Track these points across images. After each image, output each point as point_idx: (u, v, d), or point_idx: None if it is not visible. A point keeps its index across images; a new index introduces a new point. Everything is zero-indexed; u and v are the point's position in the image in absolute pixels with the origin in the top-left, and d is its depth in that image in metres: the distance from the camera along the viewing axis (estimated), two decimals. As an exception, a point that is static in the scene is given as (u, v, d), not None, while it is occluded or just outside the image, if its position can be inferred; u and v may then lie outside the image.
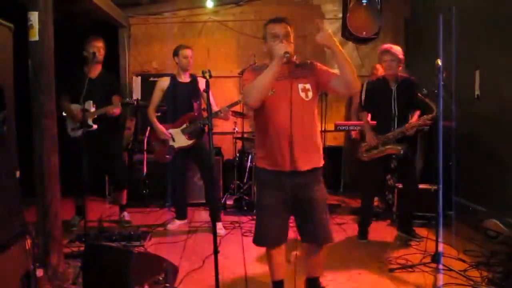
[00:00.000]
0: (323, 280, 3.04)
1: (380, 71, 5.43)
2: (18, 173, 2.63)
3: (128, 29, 6.63)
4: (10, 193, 2.50)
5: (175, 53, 4.48)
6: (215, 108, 4.47)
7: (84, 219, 3.85)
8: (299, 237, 2.78)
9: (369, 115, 4.35)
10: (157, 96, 4.54)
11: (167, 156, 4.51)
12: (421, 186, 4.50)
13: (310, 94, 2.61)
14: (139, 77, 6.22)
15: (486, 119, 4.66)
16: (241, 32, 6.64)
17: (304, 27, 6.19)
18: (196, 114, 4.49)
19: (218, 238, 2.77)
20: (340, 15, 5.54)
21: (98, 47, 4.46)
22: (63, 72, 4.25)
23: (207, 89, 2.72)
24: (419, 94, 4.01)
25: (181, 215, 4.74)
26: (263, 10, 6.53)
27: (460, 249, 3.88)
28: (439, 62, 3.43)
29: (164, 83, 4.53)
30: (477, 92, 4.73)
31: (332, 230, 2.76)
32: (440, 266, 3.40)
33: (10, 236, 2.50)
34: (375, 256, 3.85)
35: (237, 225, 4.79)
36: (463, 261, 3.61)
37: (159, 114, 4.62)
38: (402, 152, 3.98)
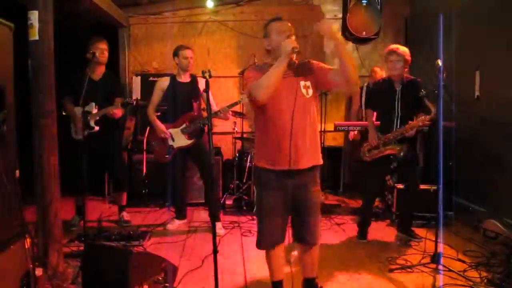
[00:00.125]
0: (322, 281, 3.04)
1: (379, 74, 5.44)
2: (17, 173, 2.63)
3: (128, 29, 6.62)
4: (10, 192, 2.49)
5: (175, 54, 4.48)
6: (215, 108, 4.48)
7: (84, 219, 3.85)
8: (292, 237, 2.80)
9: (375, 114, 4.36)
10: (156, 96, 4.54)
11: (167, 156, 4.51)
12: (421, 186, 4.49)
13: (310, 91, 2.64)
14: (139, 77, 6.22)
15: (486, 120, 4.66)
16: (241, 32, 6.64)
17: (304, 27, 6.19)
18: (195, 114, 4.49)
19: (217, 238, 2.76)
20: (340, 15, 5.54)
21: (102, 49, 4.45)
22: (66, 73, 4.27)
23: (207, 89, 2.72)
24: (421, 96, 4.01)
25: (180, 215, 4.74)
26: (263, 10, 6.54)
27: (459, 250, 3.88)
28: (439, 62, 3.43)
29: (164, 83, 4.53)
30: (477, 92, 4.74)
31: (320, 233, 2.80)
32: (440, 267, 3.41)
33: (9, 236, 2.50)
34: (374, 256, 3.85)
35: (236, 225, 4.79)
36: (463, 261, 3.62)
37: (158, 114, 4.62)
38: (402, 153, 3.97)
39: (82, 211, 4.09)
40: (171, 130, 4.48)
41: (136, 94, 6.06)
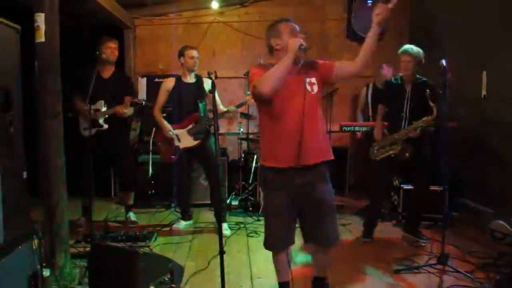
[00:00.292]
0: (330, 281, 3.04)
1: (384, 71, 5.42)
2: (25, 174, 2.64)
3: (133, 30, 6.65)
4: (17, 193, 2.51)
5: (181, 54, 4.49)
6: (221, 109, 4.49)
7: (90, 220, 3.86)
8: (302, 238, 2.78)
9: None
10: (162, 96, 4.54)
11: (173, 157, 4.51)
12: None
13: (315, 88, 2.64)
14: (145, 78, 6.25)
15: (493, 120, 4.63)
16: (246, 33, 6.65)
17: (308, 27, 6.19)
18: (201, 114, 4.50)
19: (223, 239, 2.77)
20: (345, 15, 5.53)
21: (112, 48, 4.50)
22: (77, 72, 4.29)
23: (213, 90, 2.72)
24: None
25: (186, 216, 4.75)
26: (267, 11, 6.54)
27: (466, 251, 3.87)
28: (444, 62, 3.41)
29: (169, 83, 4.54)
30: (483, 92, 4.71)
31: (337, 234, 2.75)
32: (447, 268, 3.39)
33: (17, 236, 2.51)
34: (380, 257, 3.84)
35: (242, 225, 4.80)
36: (470, 262, 3.60)
37: (164, 115, 4.63)
38: (407, 154, 3.96)
39: (89, 211, 4.11)
40: (177, 131, 4.49)
41: (142, 95, 6.09)
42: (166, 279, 2.93)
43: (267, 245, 2.74)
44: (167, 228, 4.68)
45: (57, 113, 3.28)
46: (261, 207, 5.21)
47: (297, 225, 2.76)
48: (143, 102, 4.43)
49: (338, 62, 2.68)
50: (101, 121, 4.44)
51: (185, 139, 4.49)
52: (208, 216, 5.15)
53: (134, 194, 4.94)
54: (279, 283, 2.84)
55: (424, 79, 4.02)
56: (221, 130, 6.45)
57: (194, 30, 6.69)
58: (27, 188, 2.65)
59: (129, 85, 4.83)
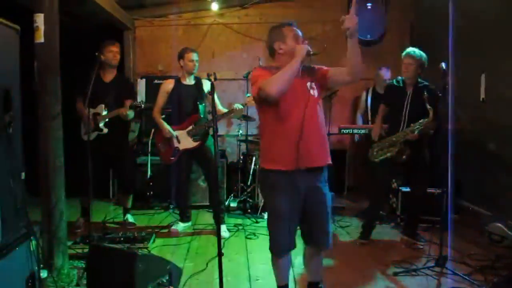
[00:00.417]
0: (326, 284, 3.04)
1: (382, 74, 5.43)
2: (23, 174, 2.64)
3: (133, 31, 6.65)
4: (15, 194, 2.51)
5: (180, 56, 4.48)
6: (221, 109, 4.49)
7: (89, 221, 3.86)
8: (302, 240, 2.78)
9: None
10: (161, 98, 4.54)
11: (172, 158, 4.51)
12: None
13: (315, 92, 2.66)
14: (144, 79, 6.25)
15: (492, 122, 4.64)
16: (246, 34, 6.65)
17: (309, 30, 6.19)
18: (201, 116, 4.50)
19: (222, 241, 2.76)
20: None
21: (114, 52, 4.50)
22: (80, 75, 4.28)
23: (212, 92, 2.72)
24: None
25: (184, 217, 4.74)
26: (268, 12, 6.54)
27: (464, 253, 3.87)
28: (443, 65, 3.42)
29: (168, 85, 4.54)
30: (482, 95, 4.72)
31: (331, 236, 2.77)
32: (445, 270, 3.39)
33: (15, 237, 2.51)
34: (379, 259, 3.84)
35: (241, 227, 4.80)
36: (468, 265, 3.60)
37: (163, 116, 4.63)
38: (405, 156, 3.96)
39: (87, 212, 4.11)
40: (177, 132, 4.49)
41: (141, 96, 6.09)
42: (164, 280, 2.93)
43: (274, 250, 2.71)
44: (166, 230, 4.67)
45: (57, 114, 3.28)
46: (260, 209, 5.21)
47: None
48: (143, 105, 4.43)
49: (332, 68, 2.69)
50: (101, 125, 4.43)
51: (184, 141, 4.48)
52: (206, 217, 5.15)
53: (133, 196, 4.93)
54: (279, 287, 2.83)
55: (426, 83, 4.02)
56: (220, 132, 6.44)
57: (194, 31, 6.69)
58: (25, 188, 2.65)
59: (130, 89, 4.83)
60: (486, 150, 4.72)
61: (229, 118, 5.00)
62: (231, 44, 6.71)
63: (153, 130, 5.16)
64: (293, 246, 2.70)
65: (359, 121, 5.83)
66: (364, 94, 5.81)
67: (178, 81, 4.54)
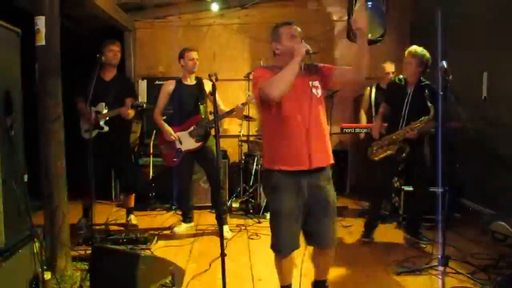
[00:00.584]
0: (329, 283, 3.03)
1: (387, 69, 5.41)
2: (26, 177, 2.64)
3: (134, 33, 6.66)
4: (18, 196, 2.51)
5: (181, 56, 4.48)
6: (222, 108, 4.49)
7: (91, 222, 3.86)
8: (305, 240, 2.77)
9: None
10: (163, 99, 4.54)
11: (175, 159, 4.51)
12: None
13: (319, 91, 2.66)
14: (145, 81, 6.26)
15: (494, 121, 4.63)
16: (246, 35, 6.65)
17: (310, 29, 6.20)
18: (202, 116, 4.50)
19: (224, 241, 2.76)
20: (346, 17, 5.54)
21: (114, 51, 4.52)
22: (80, 74, 4.29)
23: (213, 92, 2.72)
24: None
25: (187, 218, 4.74)
26: (268, 12, 6.54)
27: (467, 252, 3.86)
28: (445, 64, 3.41)
29: (169, 86, 4.54)
30: (484, 94, 4.71)
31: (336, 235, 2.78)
32: (448, 269, 3.39)
33: (18, 240, 2.51)
34: (381, 259, 3.83)
35: (243, 228, 4.80)
36: (471, 264, 3.59)
37: (164, 117, 4.63)
38: (404, 154, 3.96)
39: (89, 214, 4.11)
40: (179, 133, 4.49)
41: (142, 97, 6.10)
42: (167, 281, 2.93)
43: (277, 250, 2.71)
44: (168, 231, 4.67)
45: (58, 116, 3.28)
46: (262, 209, 5.21)
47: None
48: (144, 105, 4.43)
49: (338, 67, 2.70)
50: (102, 123, 4.45)
51: (186, 142, 4.48)
52: (209, 218, 5.15)
53: (135, 197, 4.94)
54: (282, 287, 2.83)
55: (427, 82, 4.01)
56: (221, 132, 6.44)
57: (194, 32, 6.69)
58: (28, 191, 2.65)
59: (130, 87, 4.83)
60: (489, 148, 4.71)
61: (231, 118, 5.01)
62: (231, 45, 6.71)
63: (154, 132, 5.16)
64: (297, 246, 2.69)
65: (363, 118, 5.79)
66: (367, 90, 5.78)
67: (179, 81, 4.54)
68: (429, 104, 3.77)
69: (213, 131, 4.47)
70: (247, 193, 5.56)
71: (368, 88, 5.76)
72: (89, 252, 3.38)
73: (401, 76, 4.18)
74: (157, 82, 5.98)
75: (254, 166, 5.56)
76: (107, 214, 5.15)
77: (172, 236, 4.53)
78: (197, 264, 3.73)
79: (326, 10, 6.53)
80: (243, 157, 5.92)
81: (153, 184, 5.58)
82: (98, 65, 4.16)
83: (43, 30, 3.17)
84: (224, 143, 6.43)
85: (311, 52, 2.50)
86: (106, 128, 4.48)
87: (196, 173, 5.06)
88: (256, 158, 5.57)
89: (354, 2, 5.11)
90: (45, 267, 2.78)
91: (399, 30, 6.50)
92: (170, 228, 4.74)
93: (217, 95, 2.79)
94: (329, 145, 2.72)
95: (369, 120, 5.68)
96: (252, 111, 5.82)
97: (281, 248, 2.69)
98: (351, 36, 5.16)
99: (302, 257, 2.71)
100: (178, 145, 4.50)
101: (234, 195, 5.81)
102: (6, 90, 2.46)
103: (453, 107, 4.32)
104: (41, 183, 3.28)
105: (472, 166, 4.85)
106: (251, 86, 4.37)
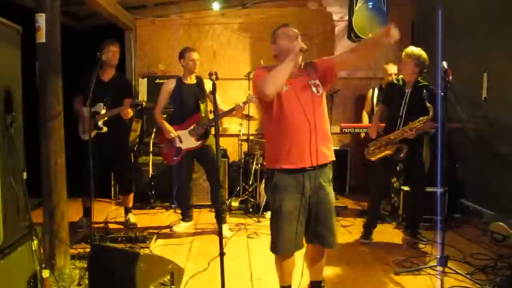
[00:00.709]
0: (328, 283, 3.04)
1: (389, 71, 5.40)
2: (25, 175, 2.64)
3: (135, 31, 6.65)
4: (17, 194, 2.51)
5: (181, 56, 4.49)
6: (221, 108, 4.49)
7: (90, 221, 3.86)
8: (306, 239, 2.77)
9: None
10: (163, 98, 4.55)
11: (175, 158, 4.51)
12: (427, 189, 4.46)
13: (320, 89, 2.68)
14: (145, 79, 6.26)
15: (494, 121, 4.63)
16: (247, 34, 6.65)
17: (311, 29, 6.20)
18: (203, 115, 4.50)
19: (223, 240, 2.76)
20: (346, 17, 5.54)
21: (113, 51, 4.51)
22: (79, 74, 4.28)
23: (214, 91, 2.72)
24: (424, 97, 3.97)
25: (186, 217, 4.74)
26: (269, 12, 6.54)
27: (466, 252, 3.86)
28: (445, 64, 3.40)
29: (170, 85, 4.54)
30: (484, 94, 4.71)
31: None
32: (447, 269, 3.38)
33: (17, 238, 2.51)
34: (381, 259, 3.83)
35: (242, 227, 4.80)
36: (470, 264, 3.59)
37: (165, 116, 4.63)
38: (401, 154, 3.95)
39: (89, 212, 4.11)
40: (179, 132, 4.48)
41: (142, 96, 6.09)
42: (166, 280, 2.93)
43: (276, 250, 2.70)
44: (167, 230, 4.67)
45: (58, 114, 3.28)
46: (262, 208, 5.20)
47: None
48: (143, 103, 4.43)
49: (337, 56, 2.80)
50: (100, 123, 4.44)
51: (187, 140, 4.48)
52: (208, 217, 5.15)
53: (134, 195, 4.93)
54: (282, 287, 2.83)
55: (425, 83, 4.00)
56: (222, 131, 6.44)
57: (195, 31, 6.69)
58: (28, 188, 2.65)
59: (128, 88, 4.82)
60: (489, 149, 4.71)
61: (231, 117, 5.00)
62: (232, 44, 6.70)
63: (154, 130, 5.15)
64: (300, 246, 2.69)
65: (365, 120, 5.78)
66: (370, 91, 5.77)
67: (179, 80, 4.54)
68: (428, 105, 3.77)
69: (213, 130, 4.47)
70: (247, 192, 5.56)
71: (371, 89, 5.76)
72: (88, 250, 3.38)
73: (400, 77, 4.18)
74: (157, 81, 5.98)
75: (254, 165, 5.56)
76: (106, 213, 5.15)
77: (171, 235, 4.52)
78: (196, 263, 3.73)
79: (326, 10, 6.52)
80: (243, 156, 5.93)
81: (153, 183, 5.58)
82: (98, 64, 4.16)
83: (43, 27, 3.17)
84: (224, 142, 6.43)
85: (304, 49, 2.52)
86: (104, 129, 4.47)
87: (196, 172, 5.06)
88: (256, 157, 5.56)
89: (354, 2, 5.13)
90: (43, 265, 2.78)
91: (399, 30, 6.46)
92: (169, 226, 4.74)
93: (216, 95, 2.79)
94: (331, 142, 2.74)
95: (371, 121, 5.67)
96: (252, 110, 5.82)
97: (281, 249, 2.68)
98: (352, 37, 5.17)
99: (302, 257, 2.72)
100: (178, 144, 4.50)
101: (234, 194, 5.81)
102: (6, 88, 2.46)
103: (453, 108, 4.32)
104: (41, 180, 3.28)
105: (472, 166, 4.84)
106: (251, 85, 4.38)
